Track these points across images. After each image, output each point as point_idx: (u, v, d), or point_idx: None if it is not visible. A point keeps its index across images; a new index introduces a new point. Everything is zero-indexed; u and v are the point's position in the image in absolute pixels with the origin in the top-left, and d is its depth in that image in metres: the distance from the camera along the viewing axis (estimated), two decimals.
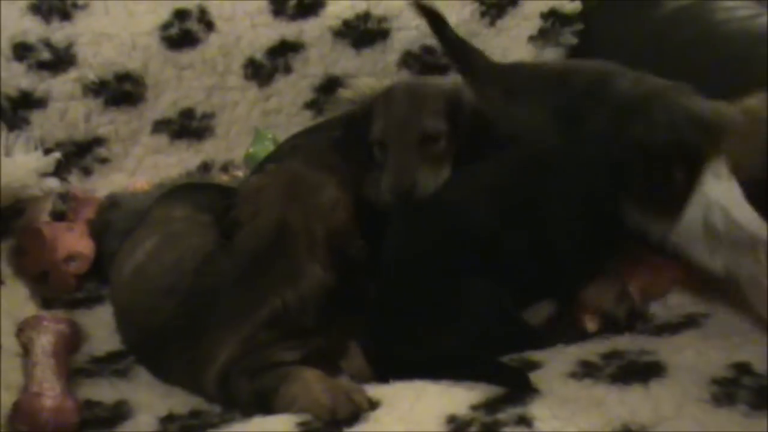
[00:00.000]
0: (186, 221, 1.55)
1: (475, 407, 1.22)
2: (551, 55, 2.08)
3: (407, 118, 1.57)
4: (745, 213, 1.32)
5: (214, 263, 1.42)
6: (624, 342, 1.37)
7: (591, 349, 1.35)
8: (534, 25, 2.08)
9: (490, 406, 1.22)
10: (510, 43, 2.08)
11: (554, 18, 2.07)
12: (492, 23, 2.07)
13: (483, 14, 2.06)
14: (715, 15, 1.77)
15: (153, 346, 1.44)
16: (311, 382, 1.31)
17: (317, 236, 1.41)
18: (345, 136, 1.66)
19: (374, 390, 1.30)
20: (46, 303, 1.64)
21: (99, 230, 1.74)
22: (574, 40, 2.08)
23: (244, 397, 1.33)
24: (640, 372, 1.27)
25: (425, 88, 1.63)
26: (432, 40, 2.04)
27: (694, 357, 1.30)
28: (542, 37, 2.08)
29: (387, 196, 1.54)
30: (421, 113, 1.57)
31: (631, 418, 1.17)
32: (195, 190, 1.69)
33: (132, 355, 1.49)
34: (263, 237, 1.41)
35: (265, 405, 1.31)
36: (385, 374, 1.35)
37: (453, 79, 1.79)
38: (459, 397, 1.25)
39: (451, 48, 1.74)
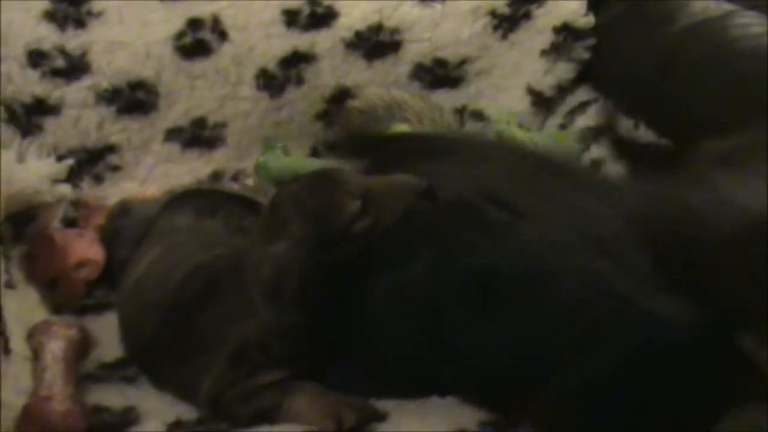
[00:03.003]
0: (187, 231, 1.55)
1: (484, 424, 1.22)
2: (563, 69, 2.08)
3: None
4: None
5: (194, 280, 1.38)
6: None
7: None
8: (546, 39, 2.08)
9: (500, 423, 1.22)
10: (522, 57, 2.09)
11: (567, 32, 2.07)
12: (504, 37, 2.08)
13: (495, 28, 2.07)
14: (729, 32, 1.77)
15: (146, 360, 1.44)
16: (315, 396, 1.31)
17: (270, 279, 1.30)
18: None
19: (381, 404, 1.30)
20: (57, 309, 1.64)
21: (109, 237, 1.74)
22: (586, 55, 2.08)
23: (242, 419, 1.31)
24: None
25: None
26: (444, 53, 2.06)
27: None
28: (554, 51, 2.08)
29: None
30: None
31: None
32: (198, 195, 1.70)
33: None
34: (224, 262, 1.36)
35: (266, 422, 1.30)
36: None
37: None
38: (468, 412, 1.25)
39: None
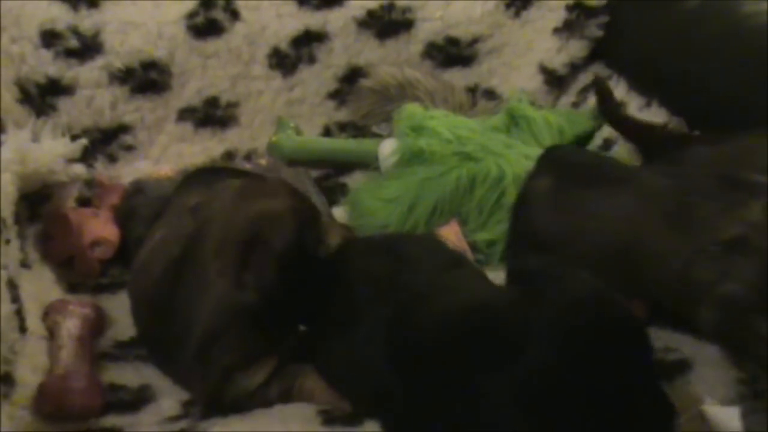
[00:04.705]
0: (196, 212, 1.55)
1: None
2: (576, 47, 2.07)
3: None
4: None
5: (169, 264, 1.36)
6: None
7: None
8: (559, 16, 2.07)
9: None
10: (534, 35, 2.08)
11: (579, 10, 2.06)
12: (517, 14, 2.07)
13: (508, 6, 2.06)
14: (742, 8, 1.75)
15: (146, 344, 1.45)
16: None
17: (231, 240, 1.30)
18: None
19: None
20: (72, 288, 1.66)
21: (124, 216, 1.75)
22: (599, 33, 2.07)
23: (252, 407, 1.32)
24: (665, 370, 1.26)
25: None
26: (456, 31, 2.05)
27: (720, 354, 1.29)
28: (567, 29, 2.07)
29: None
30: None
31: None
32: (213, 175, 1.70)
33: None
34: (180, 242, 1.34)
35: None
36: None
37: None
38: None
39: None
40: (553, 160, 1.52)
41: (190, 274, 1.31)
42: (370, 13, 2.03)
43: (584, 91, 2.07)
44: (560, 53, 2.08)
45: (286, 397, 1.32)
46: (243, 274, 1.29)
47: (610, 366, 1.07)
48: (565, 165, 1.50)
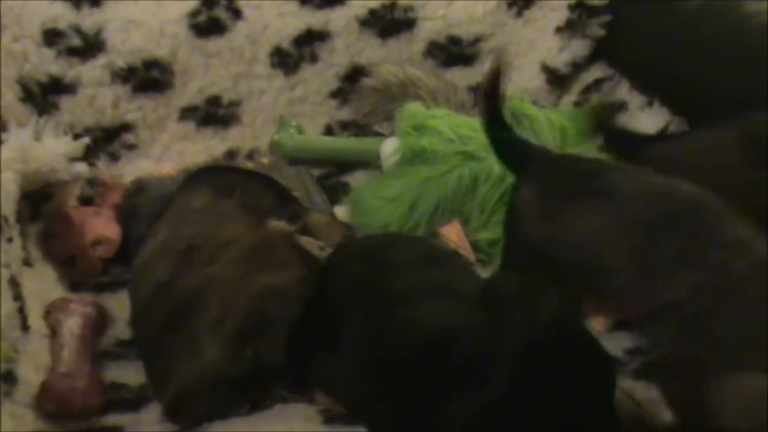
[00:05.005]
0: (199, 212, 1.55)
1: None
2: (578, 46, 2.07)
3: None
4: None
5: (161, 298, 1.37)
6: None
7: (615, 344, 1.35)
8: (561, 16, 2.07)
9: None
10: (537, 34, 2.08)
11: (581, 9, 2.06)
12: (519, 14, 2.07)
13: (510, 5, 2.06)
14: (744, 8, 1.75)
15: (142, 348, 1.45)
16: None
17: (233, 317, 1.29)
18: None
19: None
20: (74, 286, 1.66)
21: (125, 215, 1.75)
22: (601, 32, 2.07)
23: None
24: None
25: None
26: (458, 30, 2.05)
27: None
28: (569, 28, 2.07)
29: None
30: None
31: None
32: (217, 174, 1.70)
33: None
34: (185, 294, 1.34)
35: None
36: None
37: None
38: None
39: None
40: (538, 169, 1.52)
41: (185, 328, 1.30)
42: (372, 12, 2.02)
43: (586, 90, 2.07)
44: (562, 52, 2.08)
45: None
46: (241, 348, 1.28)
47: (566, 397, 1.07)
48: (549, 173, 1.51)
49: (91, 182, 1.86)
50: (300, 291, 1.31)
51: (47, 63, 1.88)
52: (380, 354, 1.20)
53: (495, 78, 1.52)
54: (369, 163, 1.94)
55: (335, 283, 1.36)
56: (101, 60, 1.91)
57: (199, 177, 1.69)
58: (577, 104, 2.06)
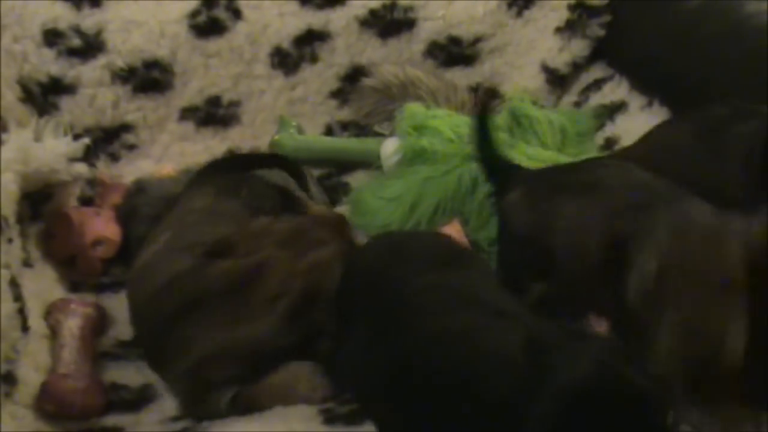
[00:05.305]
0: (202, 213, 1.55)
1: None
2: (578, 46, 2.07)
3: None
4: None
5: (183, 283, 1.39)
6: None
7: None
8: (561, 16, 2.07)
9: None
10: (537, 34, 2.08)
11: (581, 9, 2.06)
12: (519, 14, 2.07)
13: (510, 5, 2.06)
14: (743, 8, 1.75)
15: (145, 348, 1.45)
16: (302, 369, 1.35)
17: (290, 293, 1.36)
18: None
19: None
20: (74, 287, 1.66)
21: (126, 215, 1.75)
22: (601, 32, 2.07)
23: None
24: None
25: None
26: (458, 30, 2.05)
27: None
28: (569, 28, 2.07)
29: None
30: None
31: None
32: (221, 173, 1.70)
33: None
34: (233, 277, 1.37)
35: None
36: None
37: None
38: None
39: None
40: (524, 177, 1.53)
41: (224, 308, 1.34)
42: (373, 13, 2.03)
43: (586, 90, 2.07)
44: (562, 52, 2.08)
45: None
46: (293, 321, 1.34)
47: None
48: (534, 177, 1.52)
49: (91, 182, 1.86)
50: (341, 263, 1.41)
51: (47, 63, 1.89)
52: (401, 364, 1.16)
53: (484, 110, 1.58)
54: (369, 163, 1.95)
55: (354, 278, 1.38)
56: (101, 60, 1.91)
57: (204, 176, 1.69)
58: (577, 104, 2.06)
